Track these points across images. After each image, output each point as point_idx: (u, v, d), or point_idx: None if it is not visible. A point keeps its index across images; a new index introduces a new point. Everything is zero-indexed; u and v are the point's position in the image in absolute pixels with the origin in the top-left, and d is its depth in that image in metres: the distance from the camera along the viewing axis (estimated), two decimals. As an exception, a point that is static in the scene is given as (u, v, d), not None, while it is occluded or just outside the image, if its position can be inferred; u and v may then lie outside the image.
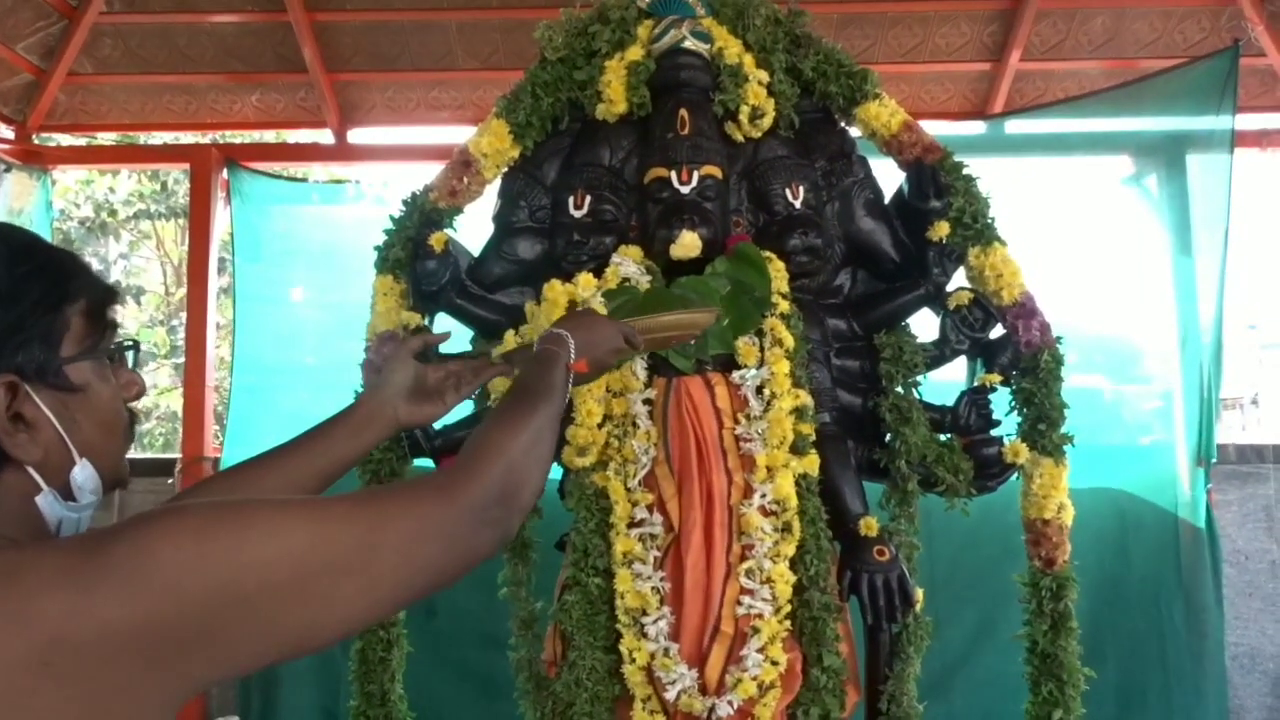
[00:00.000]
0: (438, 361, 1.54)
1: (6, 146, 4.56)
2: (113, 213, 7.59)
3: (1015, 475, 2.39)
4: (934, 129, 2.60)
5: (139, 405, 1.00)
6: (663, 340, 1.86)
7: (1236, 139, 4.06)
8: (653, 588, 2.07)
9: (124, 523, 0.76)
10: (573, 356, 1.32)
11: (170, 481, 4.40)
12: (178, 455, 4.51)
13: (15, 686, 0.68)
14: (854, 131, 2.54)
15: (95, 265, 7.63)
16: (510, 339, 2.29)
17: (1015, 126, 4.68)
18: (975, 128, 4.72)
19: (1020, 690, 2.42)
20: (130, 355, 0.99)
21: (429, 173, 2.53)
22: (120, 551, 0.73)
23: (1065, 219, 4.32)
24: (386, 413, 1.34)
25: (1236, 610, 4.23)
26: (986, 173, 2.47)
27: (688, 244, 2.21)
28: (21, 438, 0.85)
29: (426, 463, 2.39)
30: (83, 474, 0.89)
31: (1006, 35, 4.52)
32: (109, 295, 0.95)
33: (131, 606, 0.71)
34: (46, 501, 0.86)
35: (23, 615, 0.69)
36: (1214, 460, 4.09)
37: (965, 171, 2.42)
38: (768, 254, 2.26)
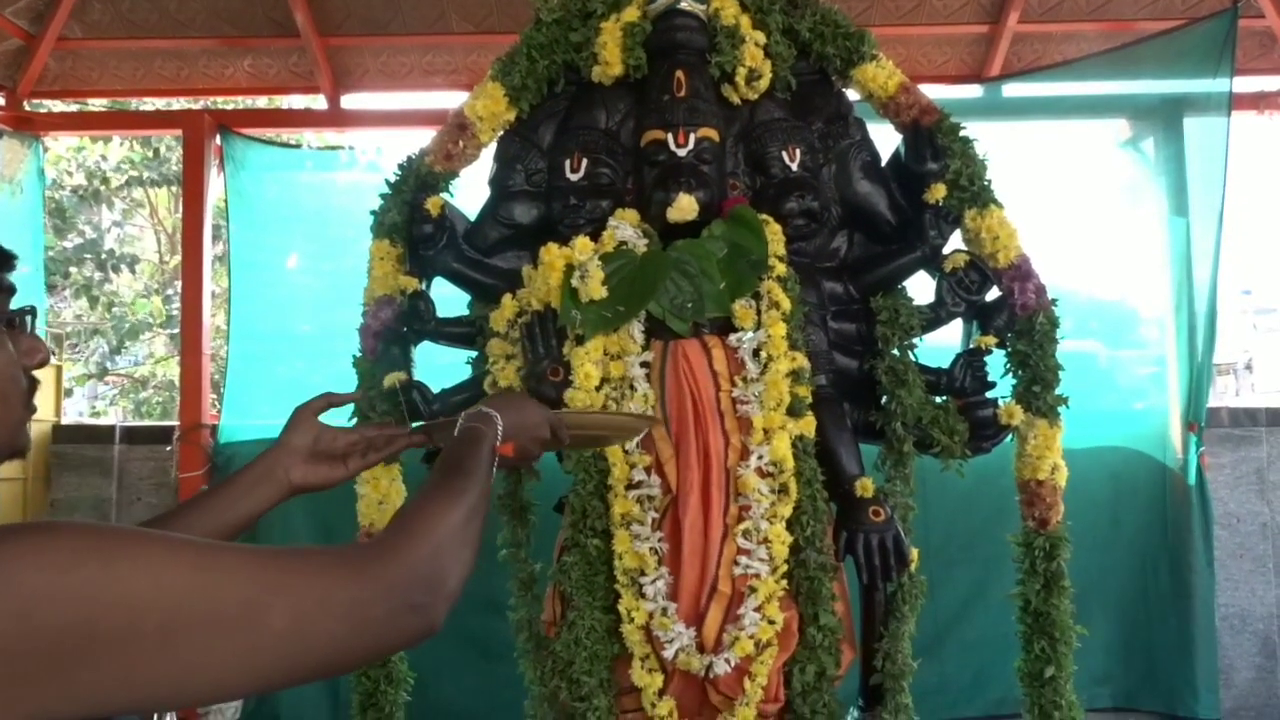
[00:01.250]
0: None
1: (-3, 113, 4.53)
2: (105, 180, 7.54)
3: (1010, 437, 2.41)
4: (931, 92, 2.59)
5: (40, 373, 0.95)
6: (591, 439, 1.75)
7: (1234, 102, 4.04)
8: (651, 548, 2.09)
9: None
10: (499, 439, 1.22)
11: (169, 449, 4.41)
12: (175, 423, 4.52)
13: None
14: (851, 94, 2.53)
15: (89, 234, 7.62)
16: (508, 303, 2.29)
17: (1013, 90, 4.65)
18: (972, 91, 4.69)
19: (1012, 649, 2.46)
20: (29, 320, 0.94)
21: (423, 138, 2.52)
22: None
23: (1062, 182, 4.32)
24: (278, 474, 1.26)
25: (1228, 572, 4.27)
26: (983, 136, 2.47)
27: (684, 207, 2.21)
28: None
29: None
30: None
31: (1004, -3, 4.50)
32: (4, 260, 0.91)
33: None
34: None
35: None
36: (1204, 424, 4.12)
37: (962, 134, 2.42)
38: (764, 217, 2.26)
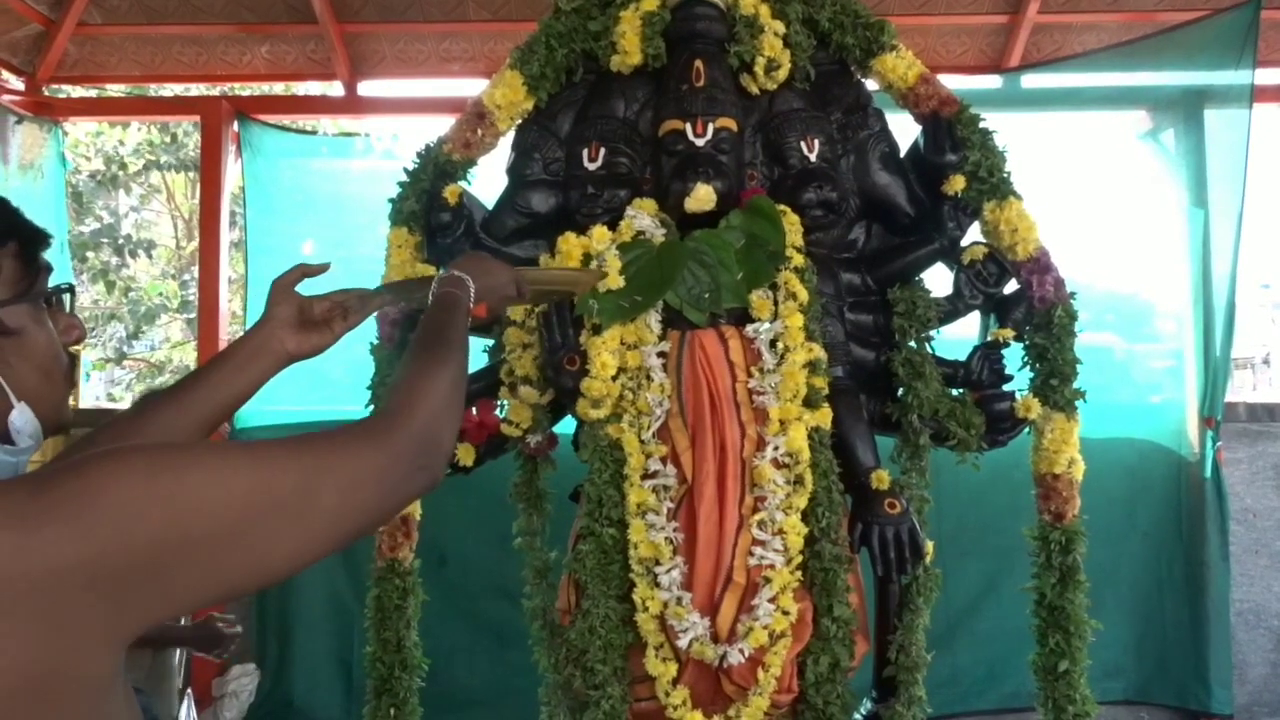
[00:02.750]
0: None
1: (16, 98, 4.54)
2: (123, 165, 7.57)
3: (1026, 430, 2.40)
4: (950, 83, 2.57)
5: (79, 349, 1.00)
6: (546, 294, 1.88)
7: (1256, 94, 4.00)
8: (666, 538, 2.09)
9: (70, 462, 0.76)
10: (473, 301, 1.32)
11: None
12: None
13: None
14: (870, 84, 2.52)
15: (106, 218, 7.65)
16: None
17: (1032, 81, 4.62)
18: (991, 82, 4.66)
19: (1025, 643, 2.46)
20: (67, 299, 0.98)
21: (440, 126, 2.52)
22: (67, 490, 0.73)
23: (1081, 174, 4.29)
24: (273, 345, 1.31)
25: (1243, 567, 4.26)
26: (1002, 127, 2.46)
27: (702, 197, 2.21)
28: None
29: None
30: (20, 418, 0.89)
31: (1024, -13, 4.46)
32: (40, 238, 0.94)
33: (78, 545, 0.71)
34: None
35: None
36: (1220, 419, 4.10)
37: (982, 125, 2.41)
38: (782, 207, 2.25)
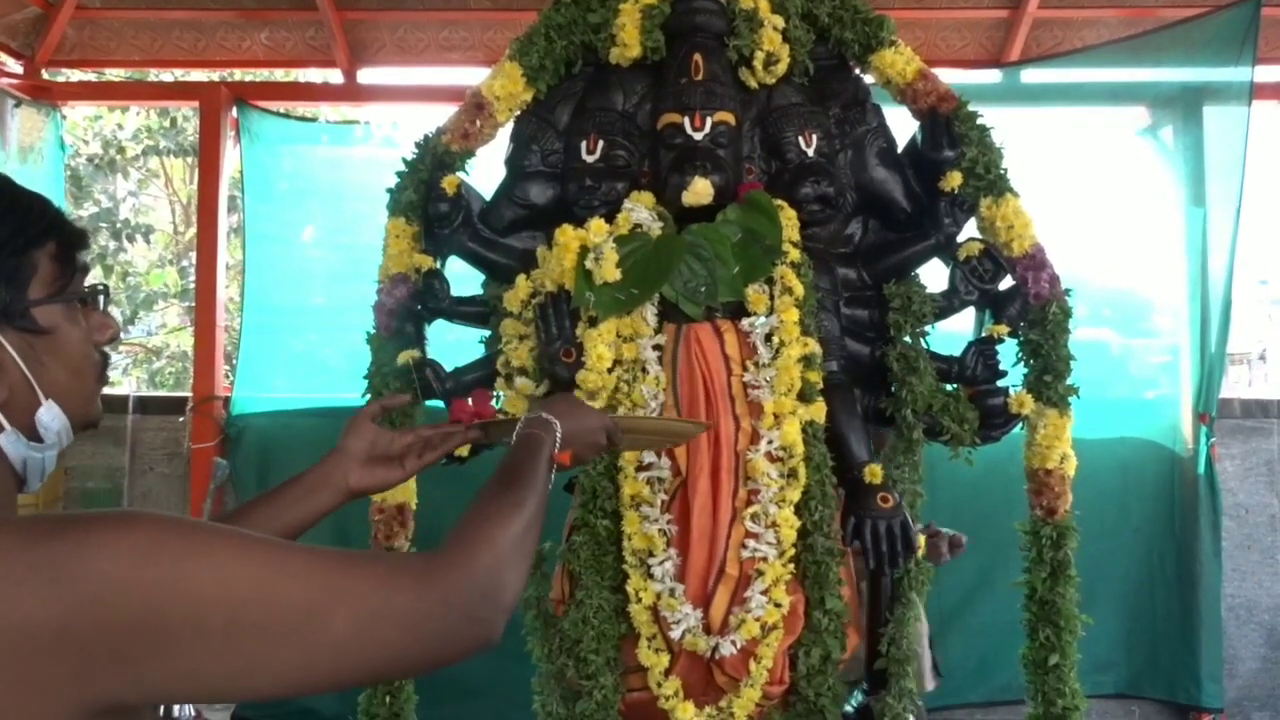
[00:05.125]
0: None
1: (15, 82, 4.53)
2: (121, 150, 7.55)
3: (1019, 426, 2.41)
4: (949, 77, 2.58)
5: (110, 348, 0.99)
6: (645, 442, 1.81)
7: (1255, 91, 4.01)
8: (660, 530, 2.11)
9: (75, 517, 0.75)
10: (558, 446, 1.24)
11: (181, 420, 4.45)
12: (189, 394, 4.55)
13: None
14: (868, 79, 2.52)
15: (104, 203, 7.64)
16: (522, 283, 2.30)
17: (1031, 76, 4.62)
18: (991, 76, 4.66)
19: (1016, 636, 2.47)
20: (101, 299, 0.98)
21: (439, 114, 2.53)
22: (59, 549, 0.71)
23: (1078, 170, 4.30)
24: (337, 479, 1.27)
25: (1235, 563, 4.28)
26: (1001, 122, 2.46)
27: (700, 191, 2.22)
28: None
29: (438, 404, 2.41)
30: (49, 414, 0.89)
31: (1025, -19, 4.46)
32: (79, 239, 0.94)
33: (52, 607, 0.70)
34: (9, 441, 0.86)
35: None
36: (1215, 415, 4.11)
37: (979, 122, 2.41)
38: (779, 202, 2.26)
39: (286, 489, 1.26)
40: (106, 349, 0.98)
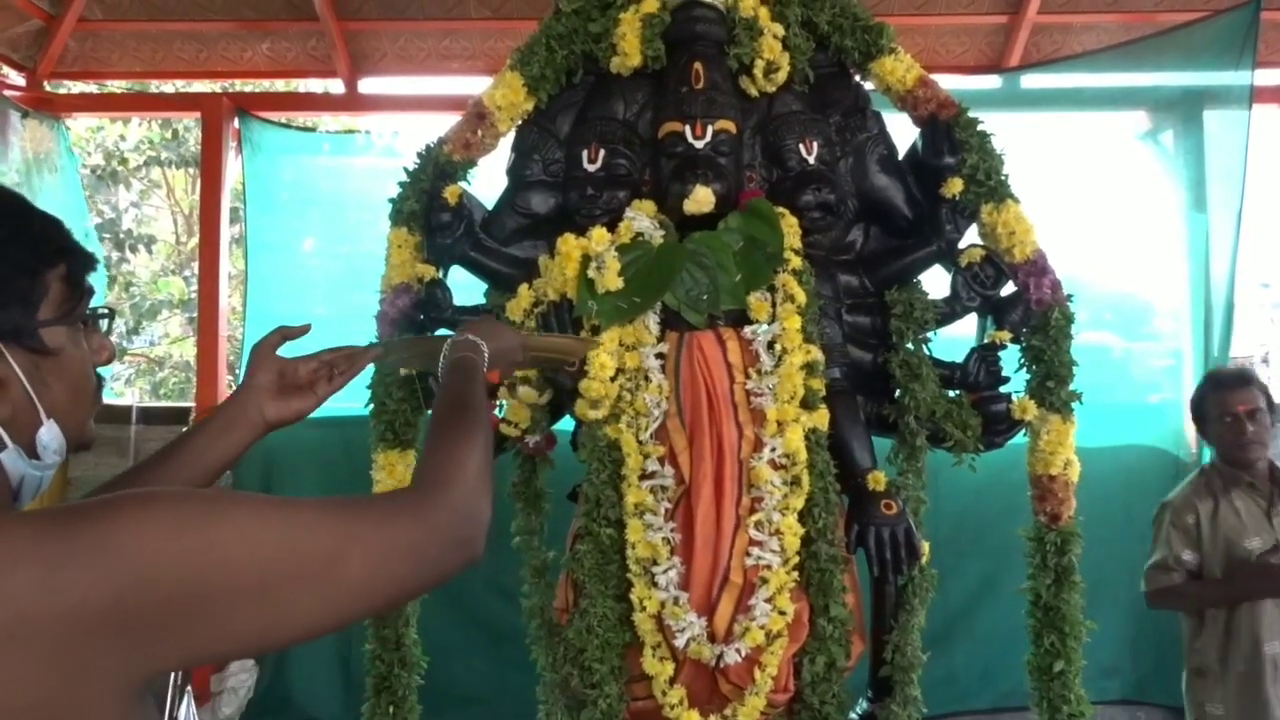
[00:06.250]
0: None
1: (18, 94, 4.55)
2: (123, 161, 7.58)
3: (1022, 432, 2.41)
4: (949, 83, 2.58)
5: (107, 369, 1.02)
6: (543, 360, 1.90)
7: (1255, 95, 4.01)
8: (663, 538, 2.10)
9: (98, 501, 0.77)
10: (486, 366, 1.31)
11: (185, 430, 4.45)
12: (192, 404, 4.55)
13: None
14: (868, 86, 2.53)
15: (107, 213, 7.66)
16: (525, 292, 2.30)
17: (1031, 81, 4.62)
18: (990, 81, 4.67)
19: (1021, 642, 2.47)
20: (104, 322, 1.00)
21: (440, 123, 2.53)
22: (92, 532, 0.74)
23: (1079, 175, 4.30)
24: (251, 414, 1.28)
25: (1239, 567, 4.25)
26: (1001, 128, 2.46)
27: (701, 199, 2.22)
28: None
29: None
30: (49, 434, 0.91)
31: (1024, -13, 4.47)
32: (88, 262, 0.96)
33: (98, 589, 0.72)
34: (10, 458, 0.88)
35: None
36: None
37: (980, 128, 2.41)
38: (780, 209, 2.26)
39: (200, 432, 1.27)
40: (100, 371, 1.00)
